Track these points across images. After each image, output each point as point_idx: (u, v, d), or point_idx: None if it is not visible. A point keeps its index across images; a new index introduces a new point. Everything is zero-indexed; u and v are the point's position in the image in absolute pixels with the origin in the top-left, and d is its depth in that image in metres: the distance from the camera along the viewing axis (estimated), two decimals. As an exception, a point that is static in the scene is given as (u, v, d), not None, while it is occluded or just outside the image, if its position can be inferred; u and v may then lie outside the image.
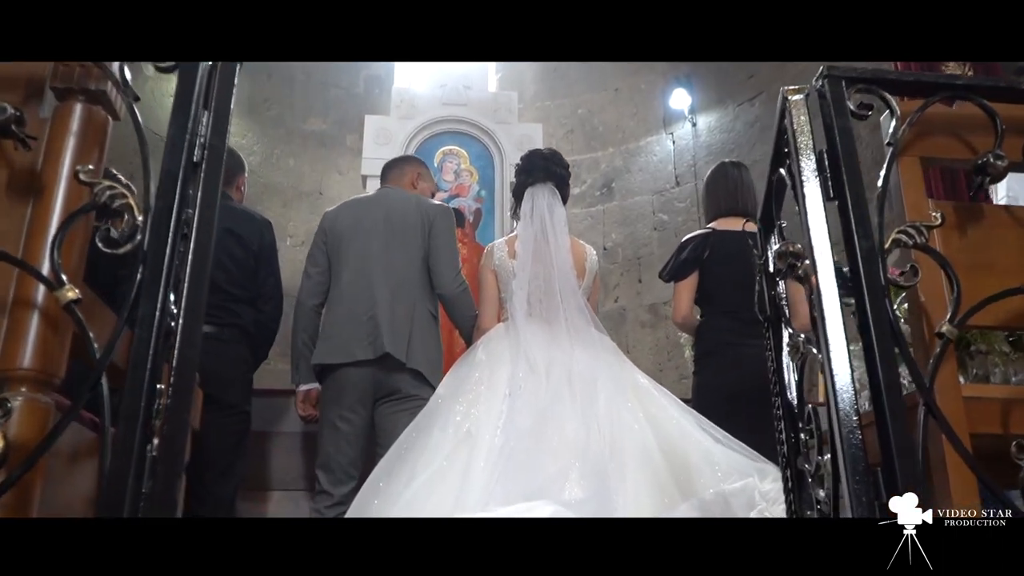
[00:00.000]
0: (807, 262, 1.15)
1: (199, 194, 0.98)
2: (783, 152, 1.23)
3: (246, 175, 2.99)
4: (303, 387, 2.72)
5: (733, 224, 2.71)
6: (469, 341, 2.62)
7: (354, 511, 1.94)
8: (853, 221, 1.04)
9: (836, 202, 1.09)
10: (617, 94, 6.44)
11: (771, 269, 1.41)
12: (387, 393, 2.56)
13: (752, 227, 1.46)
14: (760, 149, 5.40)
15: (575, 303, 2.40)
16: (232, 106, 1.06)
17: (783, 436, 1.36)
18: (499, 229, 5.23)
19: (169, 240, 0.94)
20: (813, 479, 1.22)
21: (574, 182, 2.70)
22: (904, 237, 1.05)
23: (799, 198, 1.13)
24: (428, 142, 5.57)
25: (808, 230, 1.07)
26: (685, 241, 2.76)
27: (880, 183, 1.09)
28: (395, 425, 2.34)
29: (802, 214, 1.11)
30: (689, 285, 2.69)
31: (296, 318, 2.73)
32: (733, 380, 2.56)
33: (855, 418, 0.98)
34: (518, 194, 2.66)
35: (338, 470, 2.49)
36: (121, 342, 0.98)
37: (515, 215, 2.68)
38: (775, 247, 1.37)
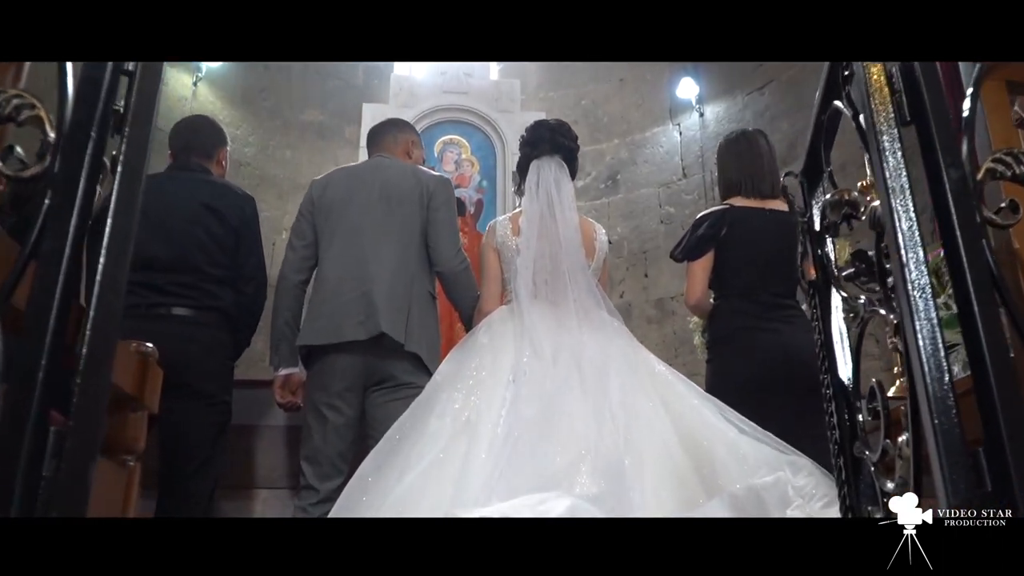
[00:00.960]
0: (874, 204, 0.96)
1: (130, 108, 0.79)
2: (839, 78, 1.04)
3: (228, 149, 2.78)
4: (283, 371, 2.51)
5: (754, 204, 2.53)
6: (470, 324, 2.41)
7: (339, 509, 1.74)
8: (939, 147, 0.84)
9: (912, 127, 0.89)
10: (622, 84, 6.29)
11: (818, 226, 1.22)
12: (380, 380, 2.35)
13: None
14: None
15: (584, 283, 2.19)
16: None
17: (835, 419, 1.16)
18: (501, 220, 5.05)
19: (87, 161, 0.74)
20: (877, 467, 1.03)
21: (578, 174, 2.53)
22: (1000, 167, 0.86)
23: (866, 126, 0.93)
24: (428, 131, 5.41)
25: (880, 159, 0.87)
26: (701, 217, 2.57)
27: (967, 103, 0.89)
28: (388, 415, 2.12)
29: (870, 144, 0.91)
30: (705, 264, 2.50)
31: (278, 295, 2.51)
32: (750, 367, 2.39)
33: (947, 386, 0.78)
34: (523, 167, 2.45)
35: (325, 462, 2.28)
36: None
37: (519, 191, 2.47)
38: (825, 198, 1.18)
